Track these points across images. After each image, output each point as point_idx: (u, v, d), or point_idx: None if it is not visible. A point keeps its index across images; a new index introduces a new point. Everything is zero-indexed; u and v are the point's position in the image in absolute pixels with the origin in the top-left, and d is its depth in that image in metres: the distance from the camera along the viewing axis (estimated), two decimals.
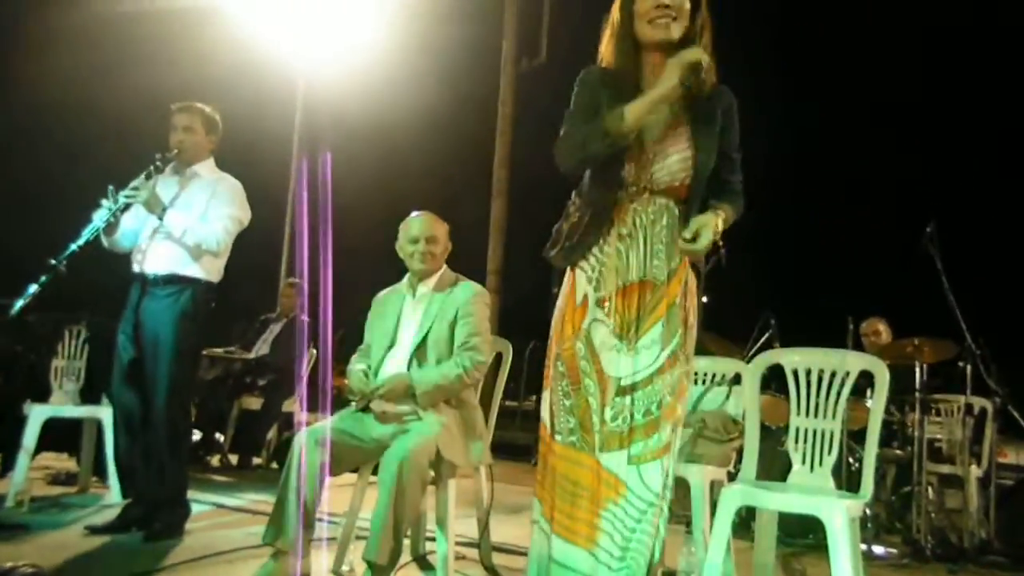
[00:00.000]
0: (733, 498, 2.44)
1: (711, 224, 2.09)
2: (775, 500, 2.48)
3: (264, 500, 4.33)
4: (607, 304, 2.17)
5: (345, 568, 2.96)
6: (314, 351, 6.16)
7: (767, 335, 4.56)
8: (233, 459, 5.88)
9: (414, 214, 3.16)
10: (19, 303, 3.01)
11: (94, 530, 3.28)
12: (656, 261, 2.15)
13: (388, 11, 9.86)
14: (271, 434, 6.01)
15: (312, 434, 2.81)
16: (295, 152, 11.07)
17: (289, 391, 5.99)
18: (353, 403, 2.98)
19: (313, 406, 6.06)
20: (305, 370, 5.97)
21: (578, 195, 2.28)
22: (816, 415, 2.64)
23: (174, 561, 2.94)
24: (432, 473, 2.76)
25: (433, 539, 3.10)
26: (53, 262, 3.09)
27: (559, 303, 2.32)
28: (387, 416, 2.89)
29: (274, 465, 5.88)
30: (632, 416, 2.11)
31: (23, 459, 3.77)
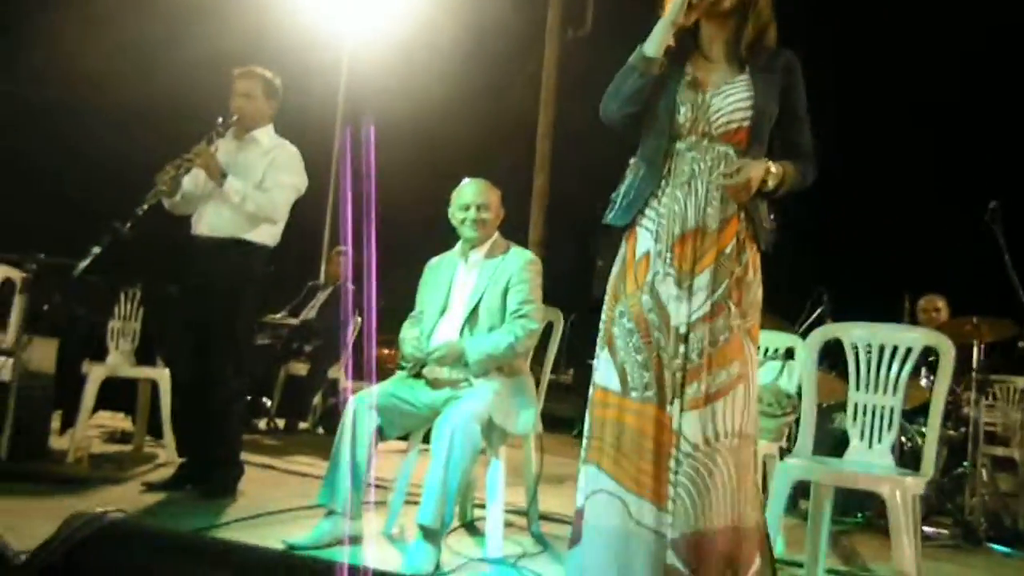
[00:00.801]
0: (791, 472, 2.41)
1: (757, 165, 2.10)
2: (835, 475, 2.44)
3: (312, 463, 4.42)
4: (668, 254, 2.17)
5: (395, 531, 3.00)
6: (359, 318, 6.23)
7: (819, 311, 4.48)
8: (279, 423, 5.99)
9: (465, 181, 3.14)
10: (81, 264, 3.07)
11: (151, 487, 3.37)
12: (710, 209, 2.15)
13: None
14: (317, 399, 6.09)
15: (364, 399, 2.83)
16: (339, 121, 11.11)
17: (335, 357, 6.06)
18: (405, 368, 2.99)
19: (358, 373, 6.17)
20: (351, 337, 6.04)
21: (634, 156, 2.29)
22: (876, 391, 2.58)
23: (230, 519, 3.00)
24: (483, 440, 2.77)
25: (481, 506, 3.13)
26: (116, 225, 3.14)
27: (616, 264, 2.31)
28: (439, 382, 2.90)
29: (320, 430, 5.98)
30: (684, 364, 2.10)
31: (82, 417, 3.88)
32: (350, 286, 6.14)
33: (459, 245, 3.13)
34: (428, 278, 3.16)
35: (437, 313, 3.03)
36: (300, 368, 6.01)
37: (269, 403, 6.07)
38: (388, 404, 2.86)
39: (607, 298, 2.30)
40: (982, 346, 4.12)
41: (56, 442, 4.00)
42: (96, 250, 3.10)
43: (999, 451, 4.67)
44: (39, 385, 3.78)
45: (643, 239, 2.23)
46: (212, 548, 0.83)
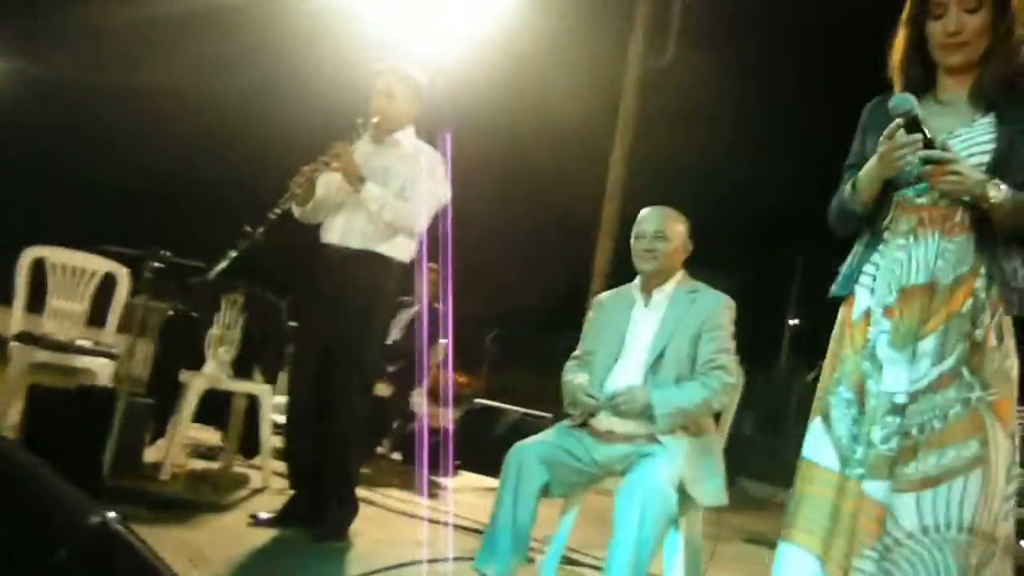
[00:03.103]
0: None
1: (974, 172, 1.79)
2: None
3: (408, 499, 4.08)
4: (889, 311, 1.89)
5: None
6: (445, 341, 5.95)
7: None
8: None
9: (645, 209, 2.78)
10: (217, 267, 2.76)
11: (259, 521, 3.01)
12: (941, 262, 1.84)
13: (515, 2, 9.62)
14: (395, 424, 5.77)
15: (533, 450, 2.46)
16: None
17: (416, 381, 5.72)
18: (571, 418, 2.62)
19: (433, 399, 5.88)
20: (435, 360, 5.78)
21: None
22: None
23: (358, 571, 2.64)
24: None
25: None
26: (249, 229, 2.83)
27: (835, 328, 2.04)
28: (613, 436, 2.52)
29: (396, 456, 5.67)
30: (903, 438, 1.80)
31: (180, 430, 3.54)
32: (441, 307, 5.83)
33: (637, 280, 2.76)
34: (599, 316, 2.78)
35: (611, 357, 2.64)
36: (382, 389, 5.66)
37: None
38: (553, 458, 2.48)
39: (825, 364, 2.05)
40: None
41: (148, 454, 3.67)
42: (232, 254, 2.79)
43: None
44: (138, 393, 3.47)
45: (861, 298, 1.97)
46: None
